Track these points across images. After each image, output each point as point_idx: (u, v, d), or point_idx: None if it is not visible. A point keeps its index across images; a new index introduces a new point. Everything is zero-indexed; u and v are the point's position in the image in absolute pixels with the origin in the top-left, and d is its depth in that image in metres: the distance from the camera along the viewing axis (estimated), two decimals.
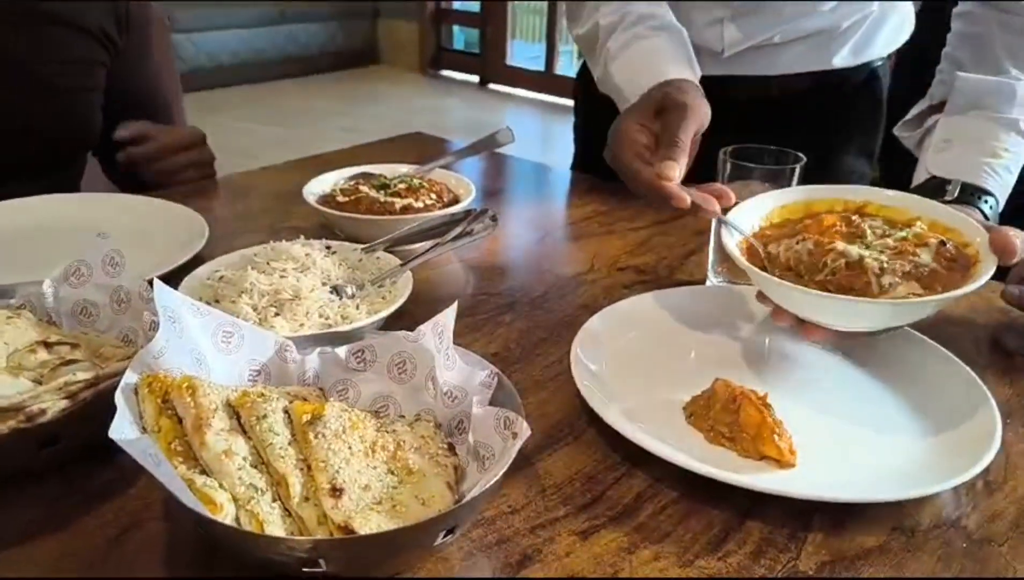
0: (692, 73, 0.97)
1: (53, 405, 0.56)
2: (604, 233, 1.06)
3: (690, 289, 0.86)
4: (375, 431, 0.57)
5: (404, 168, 1.10)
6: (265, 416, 0.54)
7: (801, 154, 0.84)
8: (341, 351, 0.64)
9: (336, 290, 0.76)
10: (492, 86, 6.25)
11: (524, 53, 6.35)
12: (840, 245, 0.71)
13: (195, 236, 0.94)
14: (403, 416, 0.62)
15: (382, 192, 0.98)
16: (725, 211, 0.77)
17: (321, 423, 0.54)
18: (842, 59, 1.16)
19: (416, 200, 0.97)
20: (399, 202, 0.96)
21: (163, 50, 1.32)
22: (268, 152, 4.72)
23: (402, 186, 0.99)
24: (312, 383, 0.64)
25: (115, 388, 0.54)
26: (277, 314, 0.71)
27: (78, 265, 0.70)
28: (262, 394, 0.56)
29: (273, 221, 1.07)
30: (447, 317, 0.62)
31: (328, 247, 0.82)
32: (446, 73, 6.59)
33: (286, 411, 0.56)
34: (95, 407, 0.56)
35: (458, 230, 0.81)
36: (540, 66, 6.06)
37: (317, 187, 1.03)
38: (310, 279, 0.75)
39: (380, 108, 5.62)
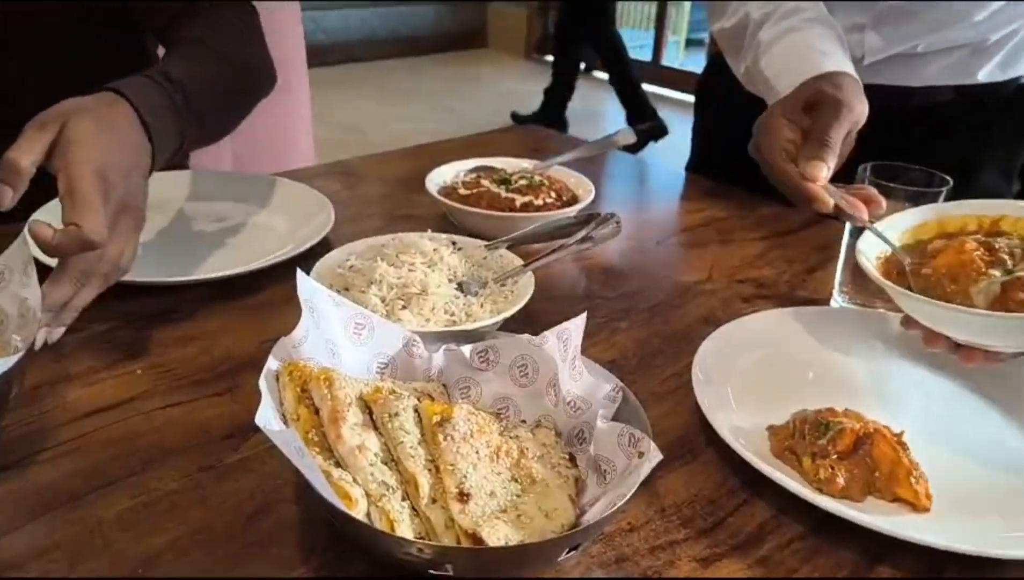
0: (849, 67, 0.92)
1: None
2: (722, 241, 1.04)
3: (817, 310, 0.83)
4: (499, 436, 0.58)
5: (524, 163, 1.10)
6: (397, 414, 0.55)
7: (947, 177, 0.80)
8: (466, 349, 0.65)
9: (461, 286, 0.77)
10: (597, 74, 6.19)
11: (631, 41, 6.26)
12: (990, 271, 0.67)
13: (321, 219, 0.97)
14: (524, 421, 0.63)
15: (503, 187, 0.99)
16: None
17: (450, 425, 0.55)
18: (988, 73, 1.09)
19: (536, 198, 0.97)
20: (520, 199, 0.96)
21: None
22: (374, 129, 4.83)
23: (523, 183, 0.99)
24: (436, 379, 0.65)
25: None
26: (404, 307, 0.73)
27: (2, 268, 0.67)
28: (393, 391, 0.58)
29: (392, 208, 1.09)
30: (574, 327, 0.62)
31: (454, 243, 0.83)
32: (552, 59, 6.56)
33: (415, 410, 0.57)
34: None
35: (582, 234, 0.81)
36: (647, 56, 5.97)
37: (438, 177, 1.04)
38: (437, 275, 0.76)
39: (483, 91, 5.65)
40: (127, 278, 0.80)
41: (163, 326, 0.78)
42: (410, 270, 0.76)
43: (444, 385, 0.65)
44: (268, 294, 0.85)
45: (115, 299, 0.80)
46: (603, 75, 5.78)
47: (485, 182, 0.99)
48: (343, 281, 0.77)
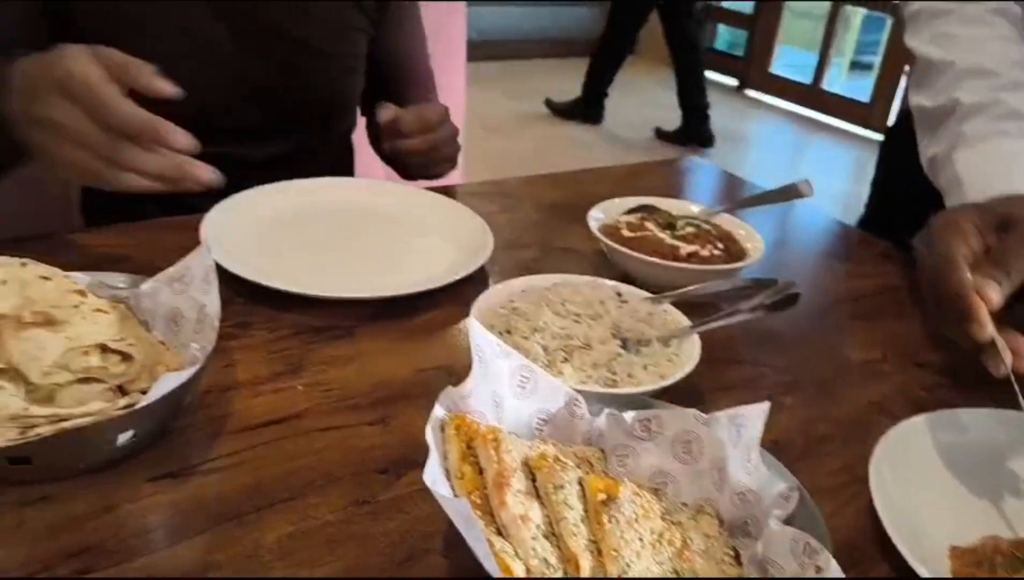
0: None
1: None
2: (898, 315, 0.96)
3: (1009, 417, 0.75)
4: (661, 521, 0.55)
5: (691, 206, 1.06)
6: (562, 486, 0.54)
7: None
8: (628, 416, 0.63)
9: (625, 343, 0.75)
10: (750, 92, 6.00)
11: (790, 60, 6.03)
12: None
13: (480, 244, 0.96)
14: (685, 504, 0.60)
15: (668, 232, 0.95)
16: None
17: (615, 506, 0.53)
18: None
19: (703, 248, 0.93)
20: (685, 248, 0.92)
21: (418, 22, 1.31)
22: (510, 127, 4.85)
23: (689, 230, 0.96)
24: (595, 443, 0.63)
25: (78, 431, 0.55)
26: (566, 360, 0.71)
27: (183, 271, 0.70)
28: (558, 459, 0.56)
29: (549, 237, 1.08)
30: (752, 416, 0.59)
31: (619, 294, 0.80)
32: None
33: (579, 482, 0.55)
34: (55, 445, 0.56)
35: (756, 301, 0.76)
36: (807, 77, 5.72)
37: (600, 213, 1.02)
38: (601, 328, 0.74)
39: (627, 99, 5.58)
40: (292, 288, 0.82)
41: (323, 341, 0.80)
42: (575, 321, 0.74)
43: (602, 450, 0.63)
44: (425, 318, 0.85)
45: (283, 308, 0.83)
46: (757, 95, 5.61)
47: (650, 225, 0.96)
48: (505, 323, 0.76)
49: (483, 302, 0.79)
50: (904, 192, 1.21)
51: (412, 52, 1.31)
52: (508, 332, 0.75)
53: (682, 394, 0.70)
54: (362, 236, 1.02)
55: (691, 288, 0.82)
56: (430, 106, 1.10)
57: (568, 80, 5.81)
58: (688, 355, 0.74)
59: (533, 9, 6.18)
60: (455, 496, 0.54)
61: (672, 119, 5.01)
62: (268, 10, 1.07)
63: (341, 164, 1.33)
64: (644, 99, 5.69)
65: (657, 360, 0.74)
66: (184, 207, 0.95)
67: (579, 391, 0.67)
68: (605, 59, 5.02)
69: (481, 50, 5.83)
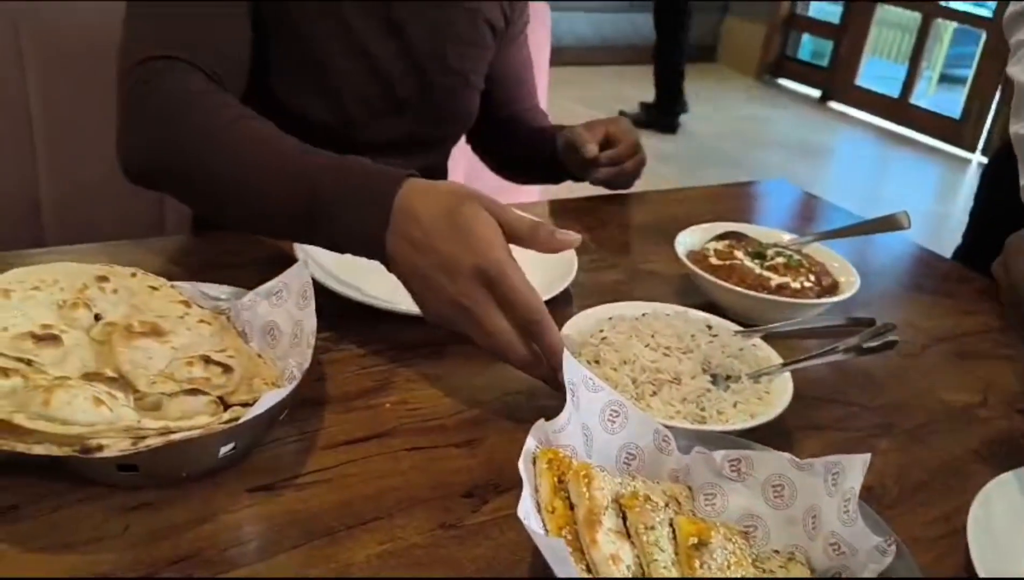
0: None
1: (113, 445, 0.56)
2: (1000, 357, 0.92)
3: None
4: (753, 567, 0.54)
5: (783, 235, 1.04)
6: (653, 527, 0.53)
7: None
8: (717, 455, 0.62)
9: (715, 379, 0.74)
10: (833, 104, 5.85)
11: (878, 72, 5.85)
12: None
13: (564, 266, 0.96)
14: (776, 551, 0.58)
15: (757, 262, 0.93)
16: None
17: (707, 551, 0.52)
18: None
19: (794, 280, 0.91)
20: (775, 279, 0.91)
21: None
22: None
23: (780, 260, 0.94)
24: (683, 480, 0.62)
25: (184, 442, 0.56)
26: (655, 394, 0.71)
27: (281, 286, 0.72)
28: (648, 498, 0.56)
29: (635, 261, 1.07)
30: (851, 466, 0.57)
31: (709, 327, 0.79)
32: (784, 82, 6.29)
33: (670, 523, 0.55)
34: (163, 454, 0.57)
35: (853, 342, 0.74)
36: (894, 91, 5.54)
37: (686, 240, 1.00)
38: (691, 363, 0.73)
39: (706, 108, 5.50)
40: (384, 305, 0.84)
41: (412, 359, 0.81)
42: (665, 354, 0.74)
43: (690, 487, 0.62)
44: None
45: (373, 324, 0.84)
46: (841, 107, 5.47)
47: (739, 254, 0.94)
48: (594, 353, 0.76)
49: (571, 329, 0.79)
50: (1006, 224, 1.16)
51: (526, 63, 1.34)
52: (597, 362, 0.75)
53: (771, 432, 0.69)
54: None
55: (783, 323, 0.81)
56: (622, 125, 1.16)
57: (642, 88, 5.78)
58: (779, 394, 0.73)
59: (614, 17, 6.15)
60: (546, 530, 0.54)
61: (748, 131, 4.93)
62: (417, 27, 1.09)
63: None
64: (722, 107, 5.60)
65: (747, 397, 0.73)
66: None
67: (667, 426, 0.67)
68: (663, 66, 5.02)
69: (560, 56, 5.85)
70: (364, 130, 1.11)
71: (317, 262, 0.90)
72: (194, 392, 0.64)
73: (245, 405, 0.63)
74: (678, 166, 4.42)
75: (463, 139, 1.41)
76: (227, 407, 0.65)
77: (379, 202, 0.71)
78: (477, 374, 0.79)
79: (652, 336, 0.76)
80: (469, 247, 0.67)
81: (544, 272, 0.96)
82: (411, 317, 0.85)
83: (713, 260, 0.94)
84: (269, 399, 0.60)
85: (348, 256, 0.78)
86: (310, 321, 0.72)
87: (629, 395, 0.71)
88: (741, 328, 0.81)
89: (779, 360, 0.76)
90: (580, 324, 0.80)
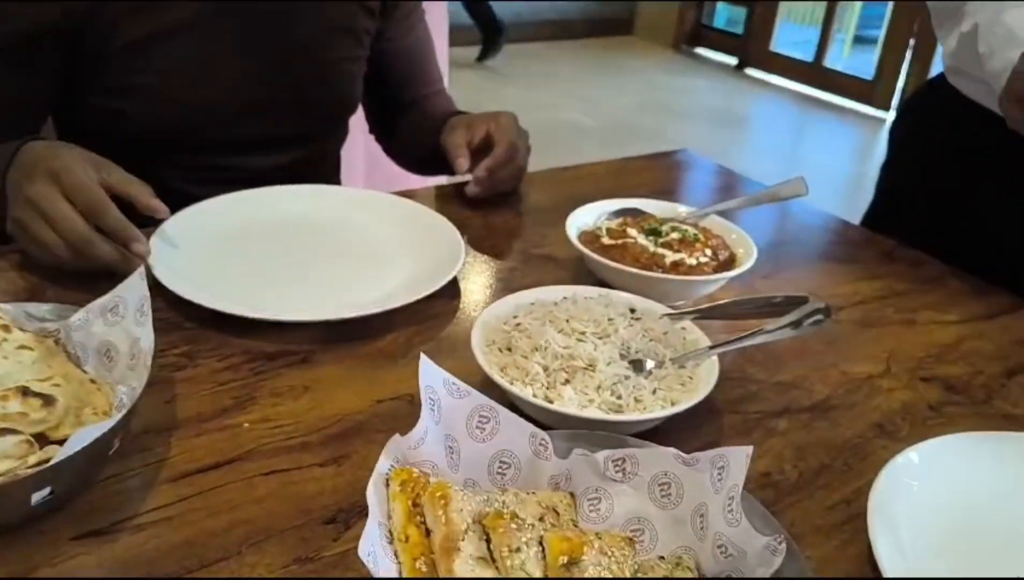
0: None
1: None
2: (903, 323, 0.90)
3: (1018, 440, 0.69)
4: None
5: (678, 207, 0.99)
6: (519, 549, 0.48)
7: None
8: (600, 457, 0.56)
9: (635, 364, 0.69)
10: (749, 71, 5.89)
11: (791, 37, 5.91)
12: None
13: (450, 254, 0.90)
14: (662, 558, 0.54)
15: (652, 240, 0.89)
16: None
17: (578, 570, 0.47)
18: None
19: (690, 255, 0.86)
20: (670, 256, 0.86)
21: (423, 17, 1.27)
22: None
23: (675, 236, 0.89)
24: (563, 486, 0.57)
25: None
26: (567, 382, 0.65)
27: (117, 301, 0.65)
28: (515, 517, 0.50)
29: (527, 245, 1.01)
30: (735, 460, 0.52)
31: (632, 310, 0.74)
32: (701, 52, 6.31)
33: (540, 542, 0.49)
34: None
35: (786, 322, 0.70)
36: (808, 55, 5.60)
37: (579, 220, 0.95)
38: (608, 349, 0.68)
39: (623, 80, 5.48)
40: (242, 312, 0.76)
41: (277, 370, 0.74)
42: (579, 340, 0.68)
43: (572, 494, 0.57)
44: (388, 341, 0.79)
45: (234, 332, 0.77)
46: (758, 73, 5.53)
47: (632, 232, 0.89)
48: (507, 340, 0.70)
49: (488, 316, 0.73)
50: (906, 183, 1.14)
51: (419, 46, 1.26)
52: (509, 350, 0.69)
53: (689, 420, 0.66)
54: (321, 249, 0.95)
55: (713, 305, 0.76)
56: (502, 123, 1.07)
57: (559, 62, 5.72)
58: (704, 378, 0.68)
59: None
60: (398, 563, 0.48)
61: (668, 102, 4.92)
62: (271, 18, 1.02)
63: (335, 175, 1.28)
64: (641, 80, 5.59)
65: (670, 383, 0.68)
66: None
67: (578, 418, 0.63)
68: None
69: (469, 34, 5.74)
70: (226, 130, 1.05)
71: (173, 266, 0.82)
72: (2, 432, 0.56)
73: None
74: (596, 141, 4.39)
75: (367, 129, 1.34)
76: (49, 444, 0.57)
77: (3, 154, 0.84)
78: (345, 383, 0.72)
79: (567, 321, 0.70)
80: (47, 158, 0.80)
81: (428, 263, 0.90)
82: (275, 324, 0.78)
83: (605, 240, 0.89)
84: (83, 436, 0.53)
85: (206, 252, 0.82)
86: (148, 338, 0.64)
87: (540, 384, 0.66)
88: (671, 310, 0.76)
89: (707, 343, 0.72)
90: (498, 310, 0.74)
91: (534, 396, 0.65)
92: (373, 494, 0.49)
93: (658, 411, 0.65)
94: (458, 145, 1.05)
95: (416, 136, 1.23)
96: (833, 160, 4.43)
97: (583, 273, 0.91)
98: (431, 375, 0.55)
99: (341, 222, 0.99)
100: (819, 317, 0.71)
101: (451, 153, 1.05)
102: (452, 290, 0.87)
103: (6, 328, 0.66)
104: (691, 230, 0.91)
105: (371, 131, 1.34)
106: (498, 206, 1.10)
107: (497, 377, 0.66)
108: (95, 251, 0.78)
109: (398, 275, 0.89)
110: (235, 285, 0.84)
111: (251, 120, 1.06)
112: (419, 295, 0.82)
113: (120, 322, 0.66)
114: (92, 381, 0.65)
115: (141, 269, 0.67)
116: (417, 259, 0.91)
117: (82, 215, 0.78)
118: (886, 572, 0.54)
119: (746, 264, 0.87)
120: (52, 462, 0.52)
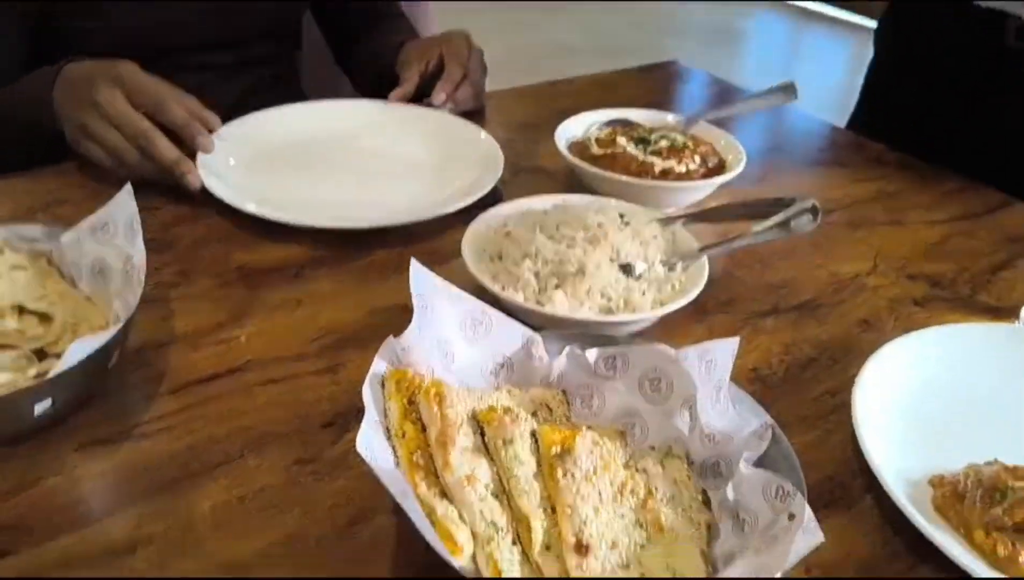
0: None
1: None
2: (891, 223, 0.90)
3: (1009, 330, 0.70)
4: (624, 470, 0.51)
5: (667, 116, 0.98)
6: (512, 441, 0.49)
7: None
8: (591, 354, 0.58)
9: (625, 268, 0.69)
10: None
11: None
12: None
13: (488, 168, 0.91)
14: (653, 448, 0.55)
15: (641, 148, 0.88)
16: None
17: (571, 459, 0.48)
18: None
19: (679, 163, 0.86)
20: (660, 164, 0.86)
21: None
22: (486, 38, 4.63)
23: (664, 144, 0.88)
24: (556, 384, 0.58)
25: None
26: (558, 286, 0.66)
27: (106, 219, 0.65)
28: (509, 410, 0.51)
29: (516, 158, 1.00)
30: (722, 352, 0.54)
31: (622, 216, 0.74)
32: None
33: (533, 435, 0.51)
34: None
35: (775, 221, 0.70)
36: None
37: (568, 131, 0.94)
38: (599, 253, 0.68)
39: None
40: (250, 209, 0.80)
41: (274, 282, 0.74)
42: (569, 246, 0.69)
43: (564, 391, 0.58)
44: (380, 255, 0.79)
45: (230, 249, 0.77)
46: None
47: (621, 140, 0.89)
48: (497, 249, 0.71)
49: (478, 225, 0.74)
50: (892, 85, 1.13)
51: None
52: (499, 258, 0.70)
53: (679, 321, 0.67)
54: (328, 163, 0.95)
55: (702, 209, 0.76)
56: (452, 45, 1.06)
57: None
58: (694, 280, 0.69)
59: None
60: (396, 458, 0.49)
61: (656, 17, 4.81)
62: None
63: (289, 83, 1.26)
64: None
65: (659, 285, 0.69)
66: None
67: (570, 319, 0.64)
68: None
69: None
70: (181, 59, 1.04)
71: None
72: (0, 348, 0.56)
73: None
74: (586, 60, 4.30)
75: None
76: (47, 358, 0.58)
77: (46, 77, 0.87)
78: (342, 295, 0.73)
79: (557, 228, 0.71)
80: (106, 67, 0.84)
81: (454, 166, 0.90)
82: (272, 235, 0.78)
83: (595, 150, 0.89)
84: (82, 348, 0.53)
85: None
86: (139, 255, 0.64)
87: (531, 290, 0.66)
88: (661, 215, 0.76)
89: (696, 245, 0.72)
90: (488, 220, 0.74)
91: (525, 301, 0.65)
92: (369, 393, 0.50)
93: (648, 312, 0.66)
94: (408, 69, 1.05)
95: (372, 62, 1.20)
96: (827, 73, 4.37)
97: (574, 185, 0.91)
98: (421, 279, 0.55)
99: (351, 135, 1.00)
100: (807, 216, 0.71)
101: (401, 77, 1.06)
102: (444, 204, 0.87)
103: None
104: (680, 138, 0.90)
105: (336, 61, 1.32)
106: (486, 122, 1.09)
107: (488, 284, 0.66)
108: (157, 147, 0.82)
109: (405, 191, 0.89)
110: (239, 193, 0.84)
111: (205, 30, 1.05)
112: (410, 220, 0.81)
113: (111, 240, 0.66)
114: (87, 298, 0.65)
115: (128, 187, 0.66)
116: (450, 169, 0.92)
117: (146, 115, 0.82)
118: (869, 456, 0.55)
119: (735, 170, 0.87)
120: (52, 374, 0.53)
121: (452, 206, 0.82)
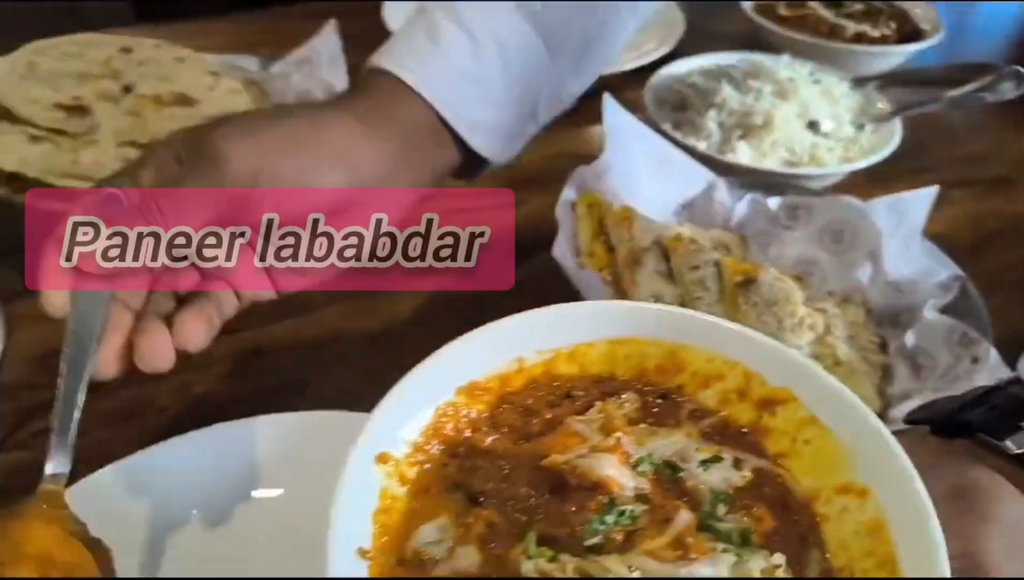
0: None
1: None
2: None
3: None
4: (803, 306, 0.52)
5: None
6: (697, 267, 0.51)
7: None
8: (773, 202, 0.58)
9: (812, 125, 0.69)
10: None
11: None
12: None
13: (669, 25, 0.89)
14: (831, 293, 0.56)
15: (833, 11, 0.84)
16: None
17: (753, 289, 0.50)
18: None
19: (872, 27, 0.82)
20: (852, 28, 0.82)
21: None
22: None
23: (858, 7, 0.84)
24: (735, 229, 0.59)
25: None
26: (742, 137, 0.67)
27: (312, 54, 0.68)
28: (694, 241, 0.53)
29: (695, 19, 0.97)
30: (917, 201, 0.53)
31: (812, 74, 0.73)
32: None
33: (716, 264, 0.52)
34: None
35: (973, 86, 0.67)
36: None
37: None
38: (787, 108, 0.68)
39: None
40: None
41: None
42: (756, 98, 0.68)
43: (743, 236, 0.59)
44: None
45: None
46: None
47: (812, 2, 0.85)
48: (680, 99, 0.71)
49: (659, 79, 0.74)
50: None
51: None
52: (683, 108, 0.71)
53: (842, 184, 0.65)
54: None
55: (896, 71, 0.74)
56: None
57: None
58: (884, 143, 0.67)
59: None
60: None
61: None
62: None
63: None
64: None
65: (847, 145, 0.68)
66: None
67: (754, 168, 0.64)
68: None
69: None
70: None
71: None
72: None
73: None
74: None
75: None
76: None
77: None
78: None
79: (745, 80, 0.70)
80: None
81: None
82: None
83: (783, 10, 0.86)
84: None
85: None
86: (342, 85, 0.69)
87: (714, 140, 0.67)
88: (850, 77, 0.74)
89: (888, 107, 0.70)
90: (672, 71, 0.75)
91: (707, 149, 0.66)
92: (560, 214, 0.53)
93: (834, 166, 0.65)
94: None
95: None
96: None
97: (754, 49, 0.88)
98: (614, 114, 0.57)
99: None
100: (1009, 83, 0.67)
101: None
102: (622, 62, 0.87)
103: (215, 74, 0.72)
104: (874, 1, 0.85)
105: None
106: None
107: (670, 131, 0.67)
108: None
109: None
110: None
111: None
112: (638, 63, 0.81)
113: (315, 72, 0.71)
114: None
115: (333, 22, 0.70)
116: None
117: None
118: None
119: (932, 39, 0.82)
120: None
121: (632, 64, 0.81)
